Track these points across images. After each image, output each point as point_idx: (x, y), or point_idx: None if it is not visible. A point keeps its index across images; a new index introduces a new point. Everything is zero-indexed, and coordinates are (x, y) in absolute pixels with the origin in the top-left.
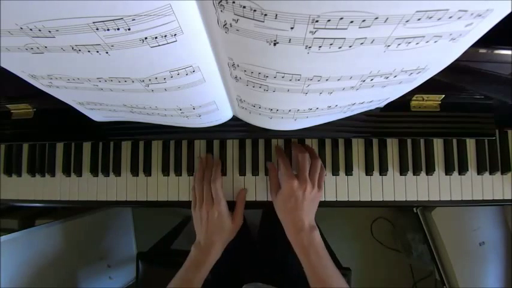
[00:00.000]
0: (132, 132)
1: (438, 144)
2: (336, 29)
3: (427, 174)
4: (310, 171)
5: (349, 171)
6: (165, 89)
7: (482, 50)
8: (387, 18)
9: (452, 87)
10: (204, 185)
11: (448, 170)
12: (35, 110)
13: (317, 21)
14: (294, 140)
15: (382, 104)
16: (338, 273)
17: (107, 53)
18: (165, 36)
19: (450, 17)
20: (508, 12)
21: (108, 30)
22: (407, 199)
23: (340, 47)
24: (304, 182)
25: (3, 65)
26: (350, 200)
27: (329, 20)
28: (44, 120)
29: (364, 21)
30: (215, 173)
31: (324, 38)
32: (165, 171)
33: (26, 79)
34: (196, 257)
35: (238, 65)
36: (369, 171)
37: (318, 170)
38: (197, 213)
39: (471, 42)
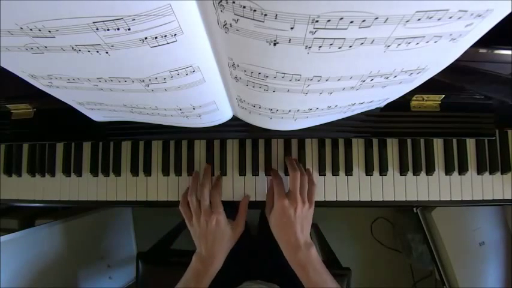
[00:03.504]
0: (132, 132)
1: (438, 144)
2: (336, 29)
3: (427, 174)
4: (300, 189)
5: (349, 171)
6: (165, 89)
7: (482, 50)
8: (387, 19)
9: (452, 87)
10: (201, 194)
11: (448, 170)
12: (35, 110)
13: (317, 21)
14: (294, 140)
15: (382, 104)
16: (338, 286)
17: (107, 53)
18: (165, 36)
19: (450, 17)
20: (508, 12)
21: (108, 30)
22: (407, 199)
23: (340, 47)
24: (294, 201)
25: (3, 65)
26: (350, 200)
27: (329, 20)
28: (44, 120)
29: (364, 21)
30: (216, 180)
31: (324, 38)
32: (165, 171)
33: (26, 79)
34: (198, 267)
35: (238, 65)
36: (368, 171)
37: (306, 186)
38: (195, 226)
39: (471, 42)
